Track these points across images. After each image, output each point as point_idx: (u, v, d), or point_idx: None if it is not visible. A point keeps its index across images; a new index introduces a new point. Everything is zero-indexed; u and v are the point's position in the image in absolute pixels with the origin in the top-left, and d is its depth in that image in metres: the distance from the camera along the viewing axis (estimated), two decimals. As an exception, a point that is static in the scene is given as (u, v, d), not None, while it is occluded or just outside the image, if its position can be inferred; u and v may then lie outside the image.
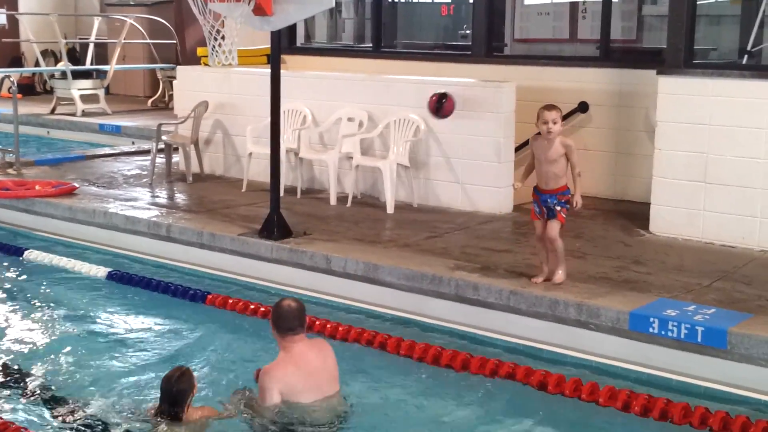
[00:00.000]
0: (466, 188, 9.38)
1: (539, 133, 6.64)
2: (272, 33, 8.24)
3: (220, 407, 5.11)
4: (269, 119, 8.29)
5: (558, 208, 6.55)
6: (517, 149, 9.70)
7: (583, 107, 10.07)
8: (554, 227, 6.58)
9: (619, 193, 9.95)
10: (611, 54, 10.27)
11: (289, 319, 5.14)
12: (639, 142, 9.58)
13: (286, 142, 10.02)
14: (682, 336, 5.73)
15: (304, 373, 5.09)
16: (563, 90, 10.09)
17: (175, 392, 4.88)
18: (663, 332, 5.81)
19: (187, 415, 4.88)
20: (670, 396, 5.36)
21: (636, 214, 8.88)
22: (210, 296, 7.30)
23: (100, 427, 5.03)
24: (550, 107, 6.56)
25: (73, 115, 16.98)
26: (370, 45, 12.44)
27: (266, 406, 4.97)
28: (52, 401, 5.38)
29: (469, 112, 9.19)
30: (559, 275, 6.64)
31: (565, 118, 10.16)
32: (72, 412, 5.21)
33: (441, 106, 8.76)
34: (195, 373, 5.23)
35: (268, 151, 8.41)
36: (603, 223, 8.88)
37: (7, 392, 5.50)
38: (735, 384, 5.59)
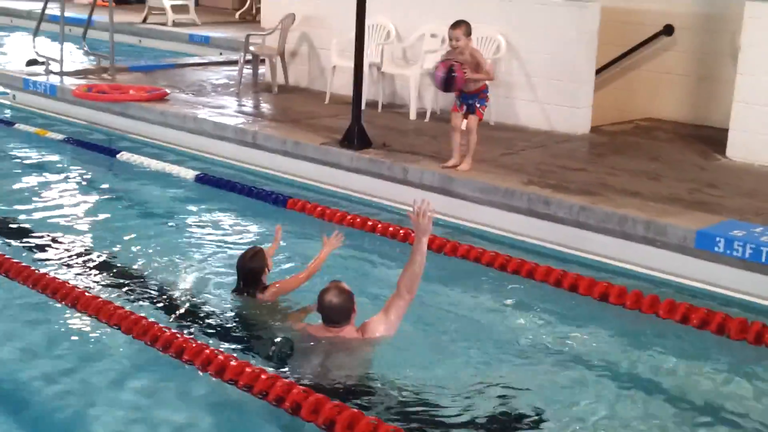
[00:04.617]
0: (544, 107, 9.47)
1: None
2: (359, -54, 8.35)
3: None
4: (354, 33, 8.47)
5: (478, 105, 7.65)
6: (598, 71, 9.72)
7: (668, 30, 9.98)
8: (473, 121, 7.68)
9: (700, 119, 9.90)
10: (700, -24, 10.11)
11: (329, 313, 4.75)
12: (723, 67, 9.47)
13: (370, 56, 10.16)
14: (747, 256, 5.84)
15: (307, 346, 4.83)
16: (649, 12, 10.00)
17: (248, 270, 5.27)
18: (728, 251, 5.93)
19: (261, 293, 5.27)
20: (729, 313, 5.51)
21: (715, 139, 8.86)
22: (291, 200, 7.64)
23: (187, 306, 5.44)
24: (454, 25, 7.52)
25: (164, 24, 17.41)
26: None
27: None
28: (145, 288, 5.80)
29: (552, 32, 9.22)
30: (465, 165, 7.66)
31: (649, 41, 10.15)
32: (162, 296, 5.63)
33: (450, 80, 7.47)
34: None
35: (351, 64, 8.61)
36: (681, 147, 8.90)
37: (107, 281, 5.94)
38: (796, 304, 5.72)
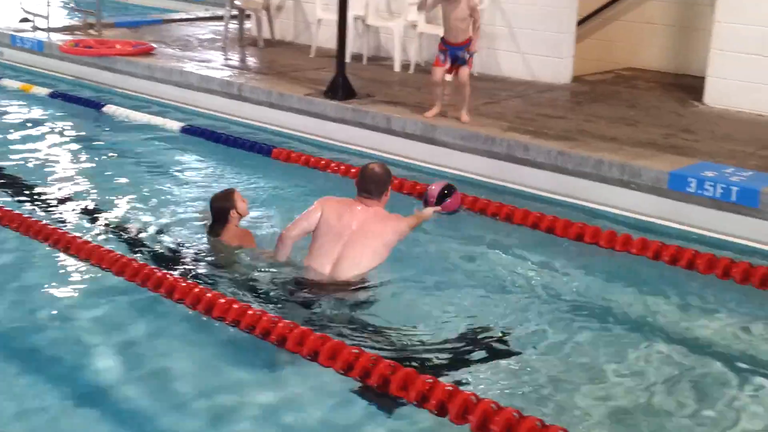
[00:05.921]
0: (526, 58, 9.60)
1: None
2: None
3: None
4: (338, -15, 8.56)
5: (467, 56, 7.64)
6: (580, 22, 9.84)
7: (649, -20, 10.09)
8: (465, 73, 7.68)
9: (680, 67, 10.06)
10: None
11: (367, 180, 5.19)
12: (702, 16, 9.60)
13: (354, 9, 10.25)
14: (717, 195, 6.04)
15: (336, 224, 5.09)
16: (630, -38, 10.11)
17: (216, 207, 5.47)
18: (700, 191, 6.13)
19: (226, 232, 5.44)
20: (700, 251, 5.69)
21: (694, 87, 9.03)
22: (275, 150, 7.78)
23: (174, 250, 5.63)
24: None
25: (150, -19, 17.37)
26: None
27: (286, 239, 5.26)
28: (128, 231, 5.97)
29: (533, -18, 9.33)
30: (465, 116, 7.70)
31: (631, -10, 10.24)
32: (150, 240, 5.81)
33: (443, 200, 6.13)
34: (256, 213, 5.76)
35: (336, 17, 8.71)
36: (659, 95, 9.07)
37: (96, 227, 6.10)
38: (764, 241, 5.90)
